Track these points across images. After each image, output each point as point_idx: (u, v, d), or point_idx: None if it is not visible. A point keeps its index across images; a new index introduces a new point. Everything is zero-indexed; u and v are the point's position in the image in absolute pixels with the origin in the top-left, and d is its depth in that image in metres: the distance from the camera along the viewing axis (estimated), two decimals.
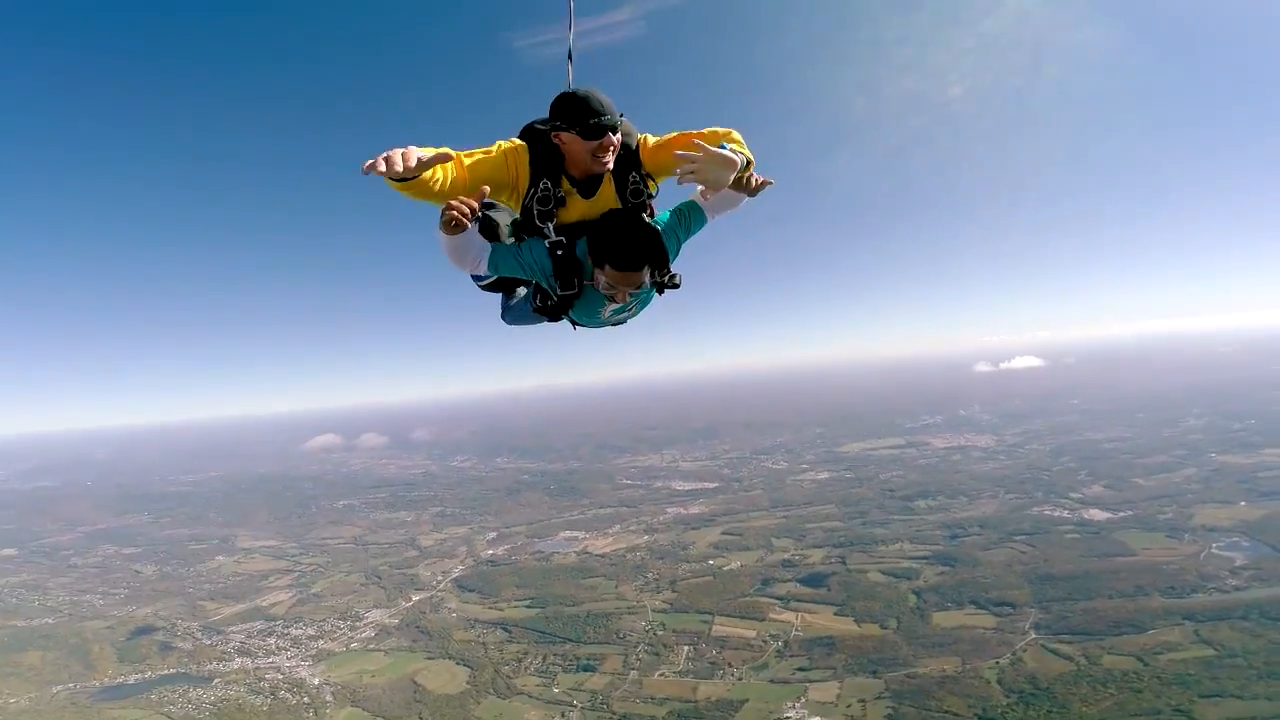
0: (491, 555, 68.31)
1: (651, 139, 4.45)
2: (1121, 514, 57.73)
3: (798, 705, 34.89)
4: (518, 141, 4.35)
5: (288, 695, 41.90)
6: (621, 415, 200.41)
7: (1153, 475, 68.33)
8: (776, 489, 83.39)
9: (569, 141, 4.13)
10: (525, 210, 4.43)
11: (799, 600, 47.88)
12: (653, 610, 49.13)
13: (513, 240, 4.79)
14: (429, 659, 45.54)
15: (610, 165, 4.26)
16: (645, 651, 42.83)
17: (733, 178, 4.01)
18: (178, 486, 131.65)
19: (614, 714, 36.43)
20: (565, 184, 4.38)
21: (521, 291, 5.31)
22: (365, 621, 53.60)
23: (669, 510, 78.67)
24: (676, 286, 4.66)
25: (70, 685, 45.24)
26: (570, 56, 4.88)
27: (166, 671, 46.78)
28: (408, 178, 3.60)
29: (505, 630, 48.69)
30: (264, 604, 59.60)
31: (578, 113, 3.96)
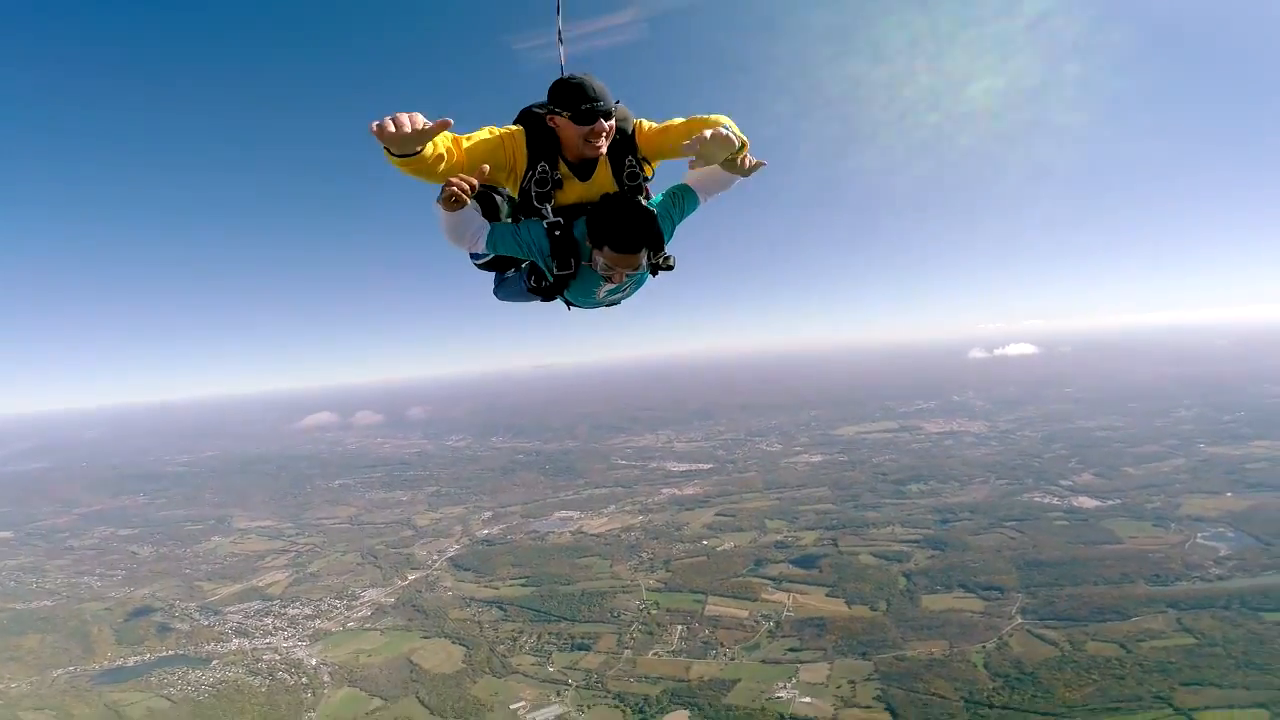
0: (487, 535, 68.85)
1: (648, 124, 4.61)
2: (1110, 502, 58.52)
3: (789, 686, 35.52)
4: (516, 125, 4.47)
5: (285, 676, 42.35)
6: (618, 396, 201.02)
7: (1142, 464, 69.17)
8: (770, 471, 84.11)
9: (563, 126, 4.25)
10: (523, 192, 4.53)
11: (791, 581, 48.56)
12: (647, 590, 49.79)
13: (510, 220, 4.90)
14: (425, 638, 46.08)
15: (603, 150, 4.38)
16: (639, 631, 43.48)
17: (726, 155, 4.21)
18: (173, 467, 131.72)
19: (608, 693, 37.02)
20: (562, 167, 4.50)
21: (515, 270, 5.40)
22: (361, 601, 54.09)
23: (664, 491, 79.35)
24: (670, 268, 4.78)
25: (70, 668, 45.52)
26: (560, 38, 4.88)
27: (165, 653, 47.14)
28: (409, 152, 3.65)
29: (501, 609, 49.27)
30: (261, 584, 60.01)
31: (571, 98, 4.09)
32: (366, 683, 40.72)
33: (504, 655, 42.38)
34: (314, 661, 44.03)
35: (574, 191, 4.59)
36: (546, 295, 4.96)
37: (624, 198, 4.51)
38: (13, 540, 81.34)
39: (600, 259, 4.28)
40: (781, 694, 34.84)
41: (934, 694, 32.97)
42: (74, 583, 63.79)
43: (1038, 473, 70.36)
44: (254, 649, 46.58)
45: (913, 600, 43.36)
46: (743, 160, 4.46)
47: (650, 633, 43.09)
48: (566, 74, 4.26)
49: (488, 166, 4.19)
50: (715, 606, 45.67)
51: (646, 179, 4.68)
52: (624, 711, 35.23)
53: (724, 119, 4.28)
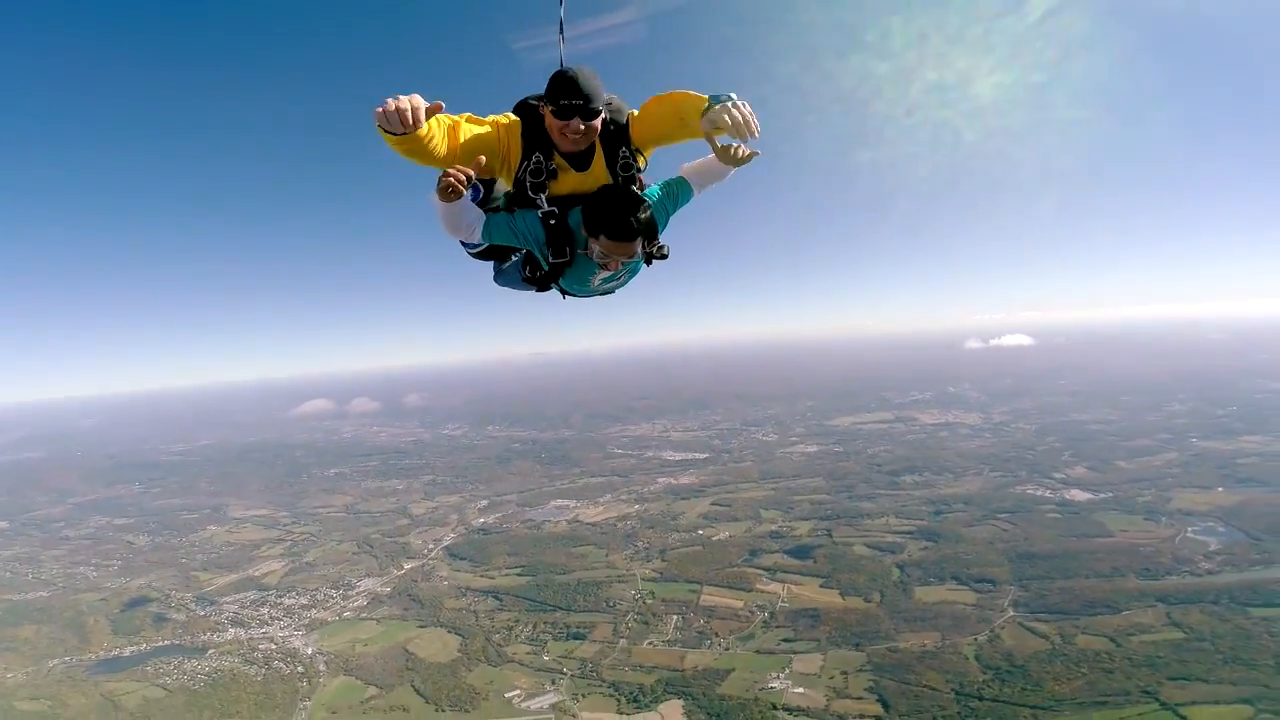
0: (483, 523, 69.08)
1: (638, 114, 4.58)
2: (1102, 495, 59.00)
3: (782, 676, 35.89)
4: (512, 116, 4.54)
5: (281, 665, 42.56)
6: (614, 384, 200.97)
7: (1135, 458, 69.64)
8: (766, 461, 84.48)
9: (548, 117, 4.29)
10: (518, 182, 4.58)
11: (785, 572, 48.92)
12: (642, 579, 50.11)
13: (504, 210, 4.94)
14: (421, 627, 46.35)
15: (578, 146, 4.37)
16: (634, 620, 43.84)
17: (728, 122, 4.01)
18: (168, 455, 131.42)
19: (603, 682, 37.38)
20: (557, 158, 4.53)
21: (512, 259, 5.49)
22: (357, 590, 54.30)
23: (659, 480, 79.71)
24: (664, 258, 4.89)
25: (66, 659, 45.65)
26: (561, 29, 4.90)
27: (161, 643, 47.27)
28: (408, 131, 3.72)
29: (496, 598, 49.54)
30: (256, 574, 60.12)
31: (554, 92, 4.10)
32: (362, 672, 40.98)
33: (499, 644, 42.69)
34: (310, 651, 44.27)
35: (569, 182, 4.65)
36: (542, 284, 5.11)
37: (620, 188, 4.58)
38: (8, 530, 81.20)
39: (596, 247, 4.38)
40: (775, 684, 35.22)
41: (926, 686, 33.33)
42: (70, 573, 63.76)
43: (1031, 465, 70.83)
44: (250, 639, 46.78)
45: (906, 592, 43.74)
46: (736, 150, 4.48)
47: (645, 622, 43.44)
48: (565, 66, 4.28)
49: (484, 158, 4.21)
50: (710, 597, 46.00)
51: (640, 169, 4.72)
52: (618, 700, 35.62)
53: (689, 92, 4.24)
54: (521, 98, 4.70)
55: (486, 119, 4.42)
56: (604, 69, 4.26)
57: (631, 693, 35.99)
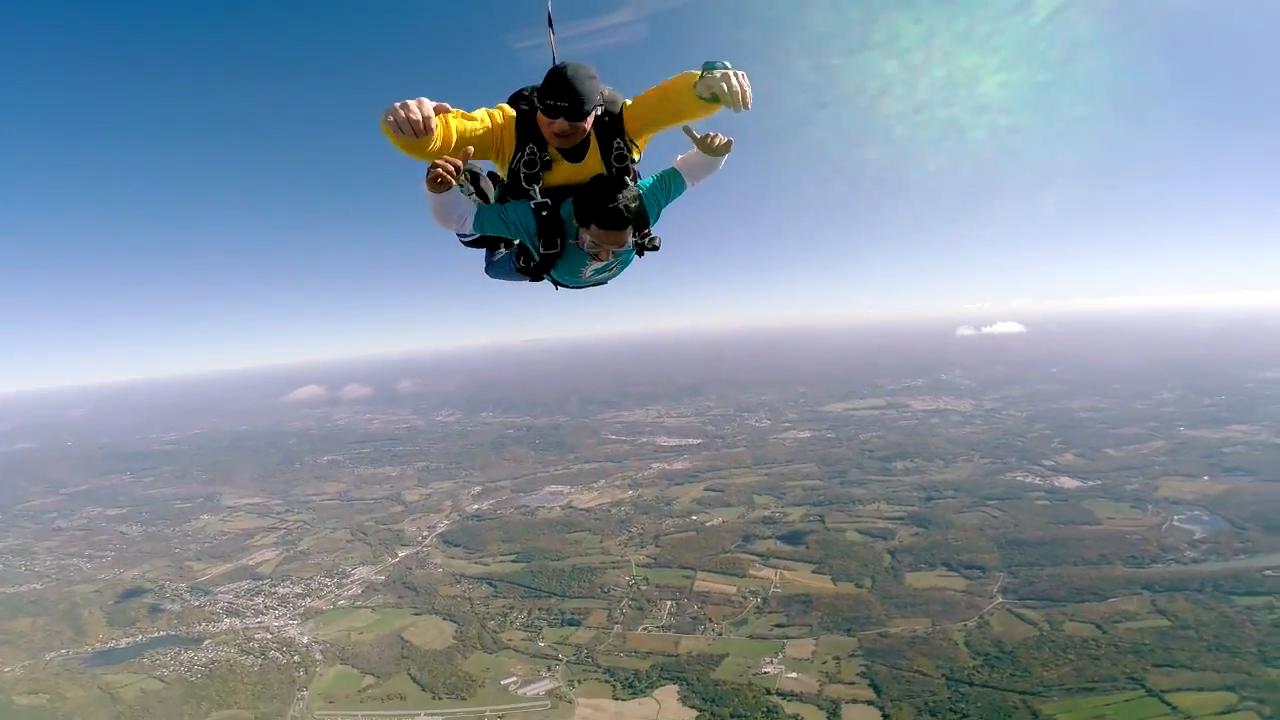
0: (477, 510, 69.20)
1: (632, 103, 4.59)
2: (1090, 483, 59.72)
3: (775, 661, 36.36)
4: (507, 107, 4.56)
5: (278, 654, 42.63)
6: (608, 371, 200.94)
7: (1123, 446, 70.46)
8: (759, 446, 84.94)
9: (538, 113, 4.31)
10: (512, 173, 4.60)
11: (778, 557, 49.38)
12: (636, 565, 50.44)
13: (496, 201, 4.97)
14: (416, 615, 46.53)
15: (565, 144, 4.39)
16: (629, 606, 44.18)
17: (725, 92, 3.92)
18: (160, 445, 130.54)
19: (598, 667, 37.73)
20: (551, 149, 4.52)
21: (503, 250, 5.56)
22: (352, 579, 54.37)
23: (653, 466, 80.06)
24: (656, 248, 4.91)
25: (62, 651, 45.50)
26: (550, 23, 4.87)
27: (157, 634, 47.22)
28: (419, 137, 3.77)
29: (491, 585, 49.76)
30: (251, 563, 60.04)
31: (543, 89, 4.11)
32: (358, 660, 41.14)
33: (495, 631, 42.94)
34: (306, 640, 44.38)
35: (563, 173, 4.65)
36: (534, 275, 5.14)
37: (611, 177, 4.59)
38: (0, 522, 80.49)
39: (587, 237, 4.42)
40: (768, 669, 35.69)
41: (916, 671, 33.85)
42: (63, 564, 63.46)
43: (1021, 452, 71.56)
44: (245, 628, 46.81)
45: (897, 578, 44.27)
46: (711, 139, 4.57)
47: (640, 608, 43.79)
48: (561, 62, 4.24)
49: (472, 148, 4.23)
50: (704, 582, 46.39)
51: (634, 160, 4.74)
52: (614, 686, 36.00)
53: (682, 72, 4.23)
54: (517, 89, 4.71)
55: (476, 113, 4.41)
56: (604, 69, 4.19)
57: (627, 678, 36.38)
